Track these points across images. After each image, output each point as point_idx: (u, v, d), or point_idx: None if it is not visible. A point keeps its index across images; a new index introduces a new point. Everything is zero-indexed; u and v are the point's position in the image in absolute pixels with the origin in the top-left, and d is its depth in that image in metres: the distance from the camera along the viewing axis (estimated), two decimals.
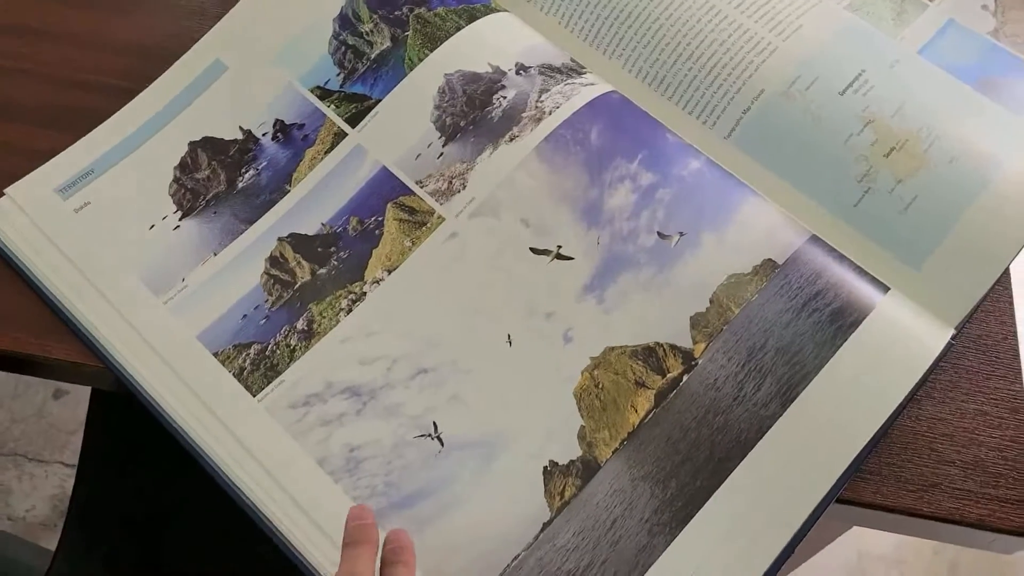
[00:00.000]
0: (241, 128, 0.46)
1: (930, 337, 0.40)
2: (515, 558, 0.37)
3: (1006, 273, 0.45)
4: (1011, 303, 0.45)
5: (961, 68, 0.48)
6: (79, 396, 1.12)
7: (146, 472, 0.63)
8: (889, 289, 0.41)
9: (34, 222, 0.44)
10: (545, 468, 0.39)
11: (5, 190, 0.44)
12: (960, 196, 0.42)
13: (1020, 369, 0.43)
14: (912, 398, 0.40)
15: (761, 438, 0.38)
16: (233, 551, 0.56)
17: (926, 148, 0.43)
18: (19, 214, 0.44)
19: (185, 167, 0.46)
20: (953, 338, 0.41)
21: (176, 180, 0.45)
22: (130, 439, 0.64)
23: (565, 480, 0.38)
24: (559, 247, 0.42)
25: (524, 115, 0.44)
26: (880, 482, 0.40)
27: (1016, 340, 0.44)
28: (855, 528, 0.50)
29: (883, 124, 0.44)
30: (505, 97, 0.45)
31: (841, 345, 0.39)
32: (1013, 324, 0.44)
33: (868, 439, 0.38)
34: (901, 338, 0.40)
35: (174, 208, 0.45)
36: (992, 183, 0.42)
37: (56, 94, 0.48)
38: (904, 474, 0.40)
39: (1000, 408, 0.42)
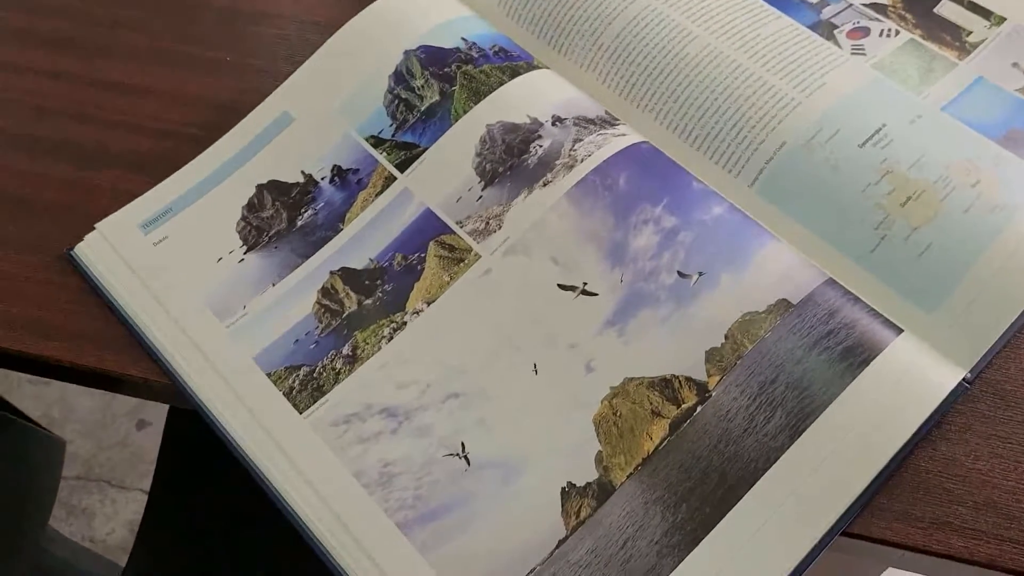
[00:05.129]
0: (303, 172, 0.51)
1: (941, 378, 0.41)
2: (531, 571, 0.40)
3: None
4: None
5: (987, 123, 0.49)
6: (161, 427, 1.19)
7: (214, 491, 0.67)
8: (902, 331, 0.42)
9: (118, 253, 0.49)
10: (563, 489, 0.41)
11: (96, 225, 0.50)
12: (973, 245, 0.44)
13: None
14: (924, 437, 0.42)
15: (769, 468, 0.40)
16: (295, 568, 0.59)
17: (942, 198, 0.45)
18: (106, 246, 0.49)
19: (252, 207, 0.51)
20: (966, 381, 0.42)
21: (243, 218, 0.50)
22: (200, 460, 0.69)
23: (581, 501, 0.41)
24: (584, 284, 0.45)
25: (558, 162, 0.48)
26: (892, 518, 0.41)
27: None
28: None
29: (900, 175, 0.46)
30: (541, 146, 0.48)
31: (851, 382, 0.41)
32: None
33: (874, 474, 0.40)
34: (911, 377, 0.41)
35: (240, 243, 0.49)
36: (1003, 233, 0.44)
37: (145, 143, 0.54)
38: (915, 512, 0.41)
39: (1016, 452, 0.43)
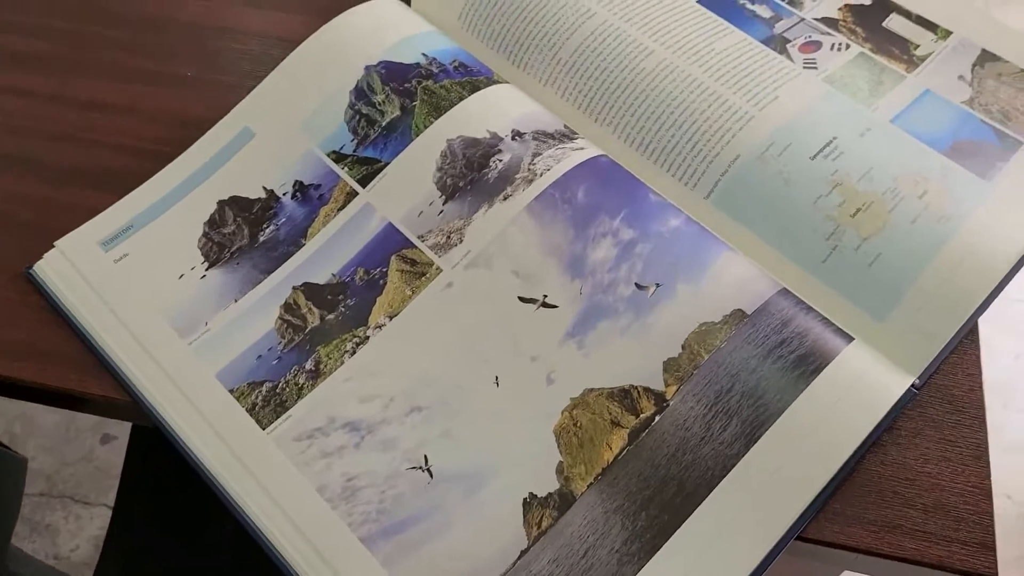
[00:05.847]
0: (264, 188, 0.51)
1: (891, 384, 0.43)
2: None
3: (974, 329, 0.47)
4: (978, 356, 0.47)
5: (934, 135, 0.51)
6: (125, 441, 1.18)
7: (179, 505, 0.67)
8: (853, 339, 0.43)
9: (78, 271, 0.49)
10: (525, 499, 0.42)
11: (55, 243, 0.50)
12: (921, 254, 0.45)
13: (984, 419, 0.45)
14: (875, 442, 0.43)
15: (726, 476, 0.41)
16: None
17: (891, 209, 0.46)
18: (66, 264, 0.49)
19: (214, 223, 0.51)
20: (915, 386, 0.43)
21: (205, 235, 0.50)
22: (165, 474, 0.69)
23: (543, 511, 0.41)
24: (545, 296, 0.46)
25: (517, 176, 0.48)
26: (845, 522, 0.42)
27: (981, 392, 0.46)
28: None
29: (850, 187, 0.47)
30: (501, 160, 0.49)
31: (804, 390, 0.42)
32: (979, 376, 0.46)
33: (828, 479, 0.41)
34: (862, 384, 0.42)
35: (202, 259, 0.50)
36: (949, 242, 0.45)
37: (113, 159, 0.54)
38: (868, 515, 0.42)
39: (964, 455, 0.44)
